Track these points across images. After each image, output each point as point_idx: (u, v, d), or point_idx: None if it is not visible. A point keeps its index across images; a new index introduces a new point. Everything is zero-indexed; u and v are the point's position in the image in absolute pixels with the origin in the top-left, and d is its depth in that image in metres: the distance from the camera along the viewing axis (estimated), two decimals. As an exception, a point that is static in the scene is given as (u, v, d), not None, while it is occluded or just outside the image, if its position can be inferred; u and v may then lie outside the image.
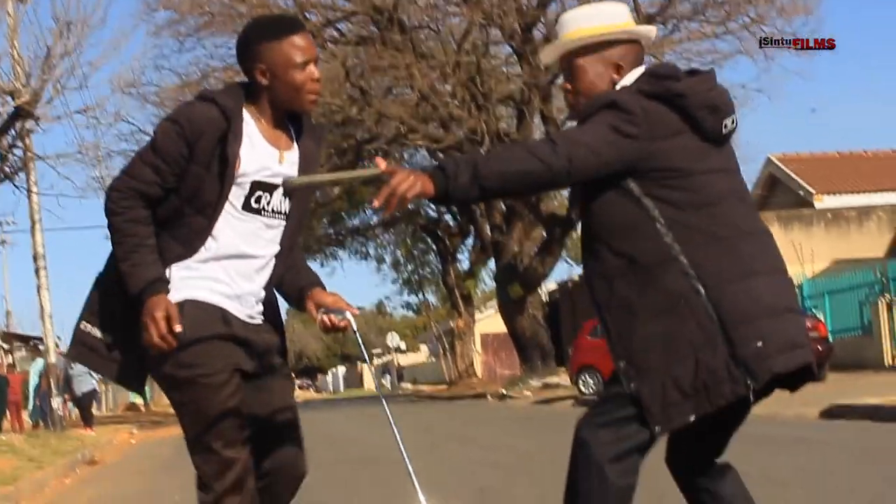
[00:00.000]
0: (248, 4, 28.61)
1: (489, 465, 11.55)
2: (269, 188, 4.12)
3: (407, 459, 4.03)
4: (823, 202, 33.59)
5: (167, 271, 4.05)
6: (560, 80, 34.38)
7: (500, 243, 35.63)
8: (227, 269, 4.10)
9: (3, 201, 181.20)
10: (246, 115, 4.09)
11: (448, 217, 48.15)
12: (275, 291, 4.32)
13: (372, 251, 54.07)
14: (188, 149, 3.99)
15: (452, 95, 32.46)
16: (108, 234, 4.09)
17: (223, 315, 4.06)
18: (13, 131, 20.32)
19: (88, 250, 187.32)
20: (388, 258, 55.65)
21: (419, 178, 3.66)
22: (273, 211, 4.15)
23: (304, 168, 4.18)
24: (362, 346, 4.52)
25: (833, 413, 14.06)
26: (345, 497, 9.81)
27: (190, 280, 4.07)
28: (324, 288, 4.27)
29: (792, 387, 3.86)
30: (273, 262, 4.21)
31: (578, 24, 3.98)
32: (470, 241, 47.88)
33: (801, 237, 29.82)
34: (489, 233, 38.22)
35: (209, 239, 4.07)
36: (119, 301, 4.07)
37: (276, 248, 4.20)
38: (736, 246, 3.72)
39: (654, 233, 3.70)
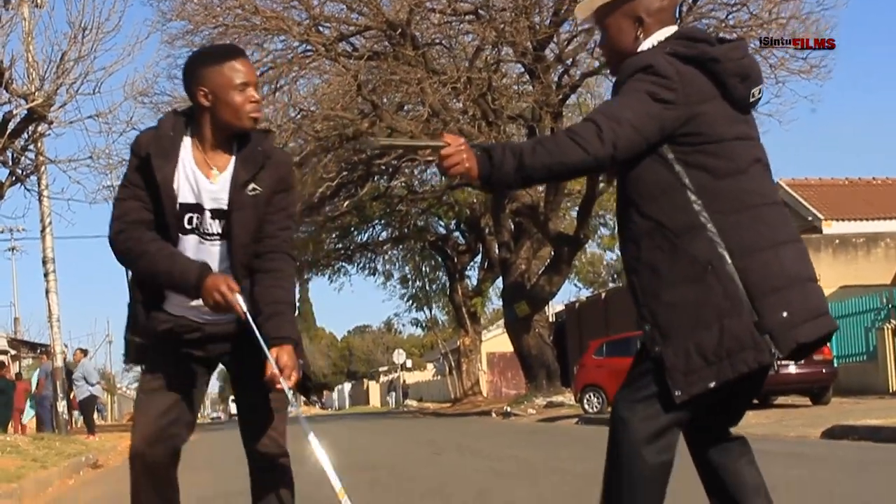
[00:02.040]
0: (262, 16, 28.72)
1: (490, 472, 11.58)
2: (199, 209, 4.39)
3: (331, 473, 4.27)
4: (832, 228, 33.56)
5: None
6: (571, 101, 34.61)
7: (507, 261, 35.62)
8: None
9: (14, 204, 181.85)
10: (186, 139, 4.38)
11: (457, 234, 48.22)
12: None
13: (380, 267, 53.96)
14: (145, 172, 4.34)
15: (463, 112, 32.49)
16: (134, 270, 4.45)
17: (176, 322, 4.50)
18: (26, 134, 20.41)
19: (96, 258, 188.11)
20: (396, 274, 55.53)
21: (468, 158, 3.76)
22: (205, 233, 4.41)
23: (232, 189, 4.37)
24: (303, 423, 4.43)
25: (835, 433, 14.07)
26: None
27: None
28: (288, 342, 4.35)
29: (808, 355, 3.92)
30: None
31: None
32: (479, 259, 47.93)
33: (809, 262, 29.74)
34: (497, 251, 38.21)
35: None
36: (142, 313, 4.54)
37: (225, 266, 4.43)
38: (762, 215, 3.76)
39: (683, 199, 3.74)
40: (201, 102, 4.32)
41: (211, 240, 4.42)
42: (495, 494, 9.16)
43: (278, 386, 4.22)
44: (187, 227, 4.38)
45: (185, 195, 4.35)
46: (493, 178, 3.79)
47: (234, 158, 4.40)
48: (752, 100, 3.85)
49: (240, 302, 4.26)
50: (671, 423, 3.79)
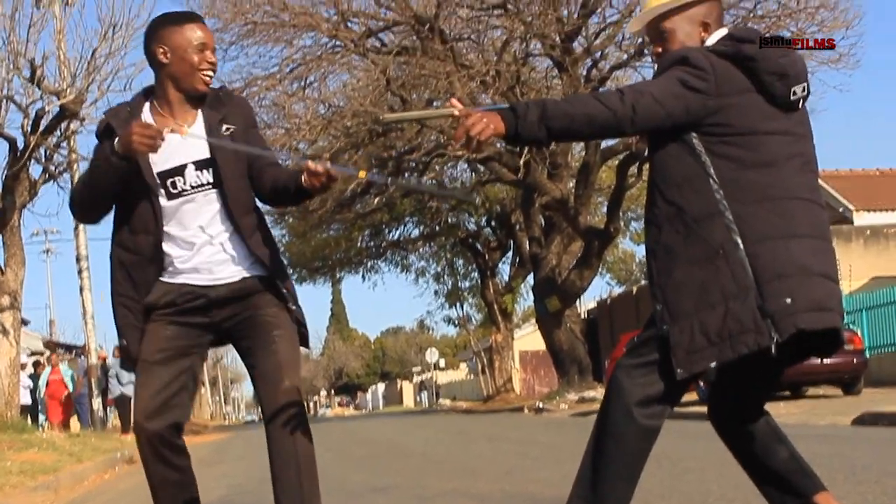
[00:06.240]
0: (291, 13, 28.86)
1: (518, 455, 11.72)
2: (180, 171, 4.55)
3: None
4: (863, 219, 33.40)
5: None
6: (605, 88, 34.50)
7: (538, 256, 35.60)
8: (177, 246, 4.60)
9: (47, 202, 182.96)
10: (145, 106, 4.63)
11: (488, 231, 48.20)
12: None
13: (413, 263, 53.90)
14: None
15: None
16: (87, 205, 4.62)
17: (178, 290, 4.60)
18: (58, 132, 20.53)
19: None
20: (429, 271, 55.38)
21: (491, 118, 3.88)
22: (195, 186, 4.56)
23: (209, 130, 4.54)
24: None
25: (865, 420, 14.03)
26: (369, 478, 9.99)
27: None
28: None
29: (823, 353, 4.01)
30: (224, 228, 4.61)
31: None
32: (510, 255, 47.84)
33: (840, 253, 29.41)
34: (528, 246, 38.20)
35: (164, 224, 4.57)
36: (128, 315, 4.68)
37: (219, 211, 4.59)
38: (784, 207, 3.85)
39: (705, 187, 3.86)
40: (160, 60, 4.53)
41: (204, 190, 4.56)
42: (521, 473, 9.28)
43: (314, 166, 4.34)
44: (173, 191, 4.54)
45: (161, 162, 4.51)
46: (520, 130, 3.90)
47: (199, 111, 4.59)
48: (793, 97, 3.93)
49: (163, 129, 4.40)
50: (665, 394, 3.91)
